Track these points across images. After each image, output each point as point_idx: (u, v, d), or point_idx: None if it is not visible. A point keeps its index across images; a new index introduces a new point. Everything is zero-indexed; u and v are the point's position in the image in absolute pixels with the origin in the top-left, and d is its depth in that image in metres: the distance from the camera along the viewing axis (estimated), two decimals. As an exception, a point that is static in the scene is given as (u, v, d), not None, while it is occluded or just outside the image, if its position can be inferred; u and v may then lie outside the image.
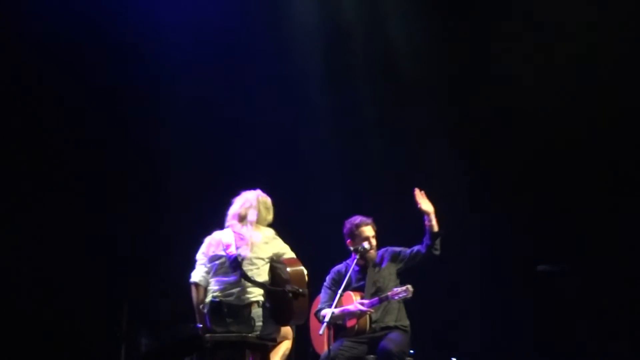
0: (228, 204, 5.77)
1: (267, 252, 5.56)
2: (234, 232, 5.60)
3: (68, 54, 7.34)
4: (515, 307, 7.54)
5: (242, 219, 5.62)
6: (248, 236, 5.57)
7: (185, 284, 5.83)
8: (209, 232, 5.76)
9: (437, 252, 5.98)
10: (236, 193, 5.80)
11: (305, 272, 5.62)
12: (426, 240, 5.91)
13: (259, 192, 5.76)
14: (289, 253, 5.68)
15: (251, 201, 5.69)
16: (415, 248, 6.05)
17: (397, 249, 6.22)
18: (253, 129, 7.98)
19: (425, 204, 5.87)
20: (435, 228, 5.89)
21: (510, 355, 7.45)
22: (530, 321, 7.45)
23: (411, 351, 6.02)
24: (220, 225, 5.72)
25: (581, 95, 7.39)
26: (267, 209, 5.72)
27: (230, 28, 7.77)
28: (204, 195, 7.30)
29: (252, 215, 5.63)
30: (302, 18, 7.98)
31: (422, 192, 5.89)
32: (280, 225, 5.75)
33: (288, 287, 5.46)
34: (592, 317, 6.95)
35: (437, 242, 5.94)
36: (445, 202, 6.38)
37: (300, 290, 5.44)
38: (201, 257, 5.65)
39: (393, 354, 5.63)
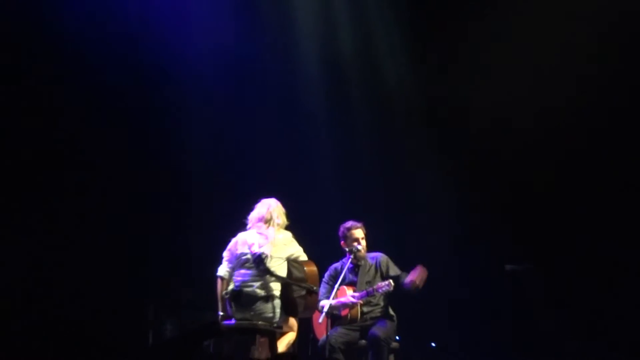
0: (240, 209, 6.11)
1: (286, 252, 5.90)
2: (259, 232, 5.91)
3: (97, 76, 7.50)
4: (486, 300, 7.81)
5: (267, 221, 5.94)
6: (272, 237, 5.88)
7: (204, 278, 6.22)
8: (225, 232, 6.11)
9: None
10: (248, 200, 6.16)
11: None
12: (406, 285, 6.21)
13: (275, 199, 6.11)
14: (303, 255, 5.99)
15: (273, 206, 6.04)
16: (402, 277, 6.30)
17: (390, 262, 6.53)
18: (263, 147, 8.21)
19: (414, 284, 6.12)
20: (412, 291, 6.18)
21: (481, 341, 7.69)
22: (499, 312, 7.74)
23: (397, 337, 6.40)
24: (242, 228, 6.05)
25: (553, 117, 7.65)
26: (284, 214, 6.07)
27: (245, 59, 8.04)
28: (221, 201, 7.57)
29: (277, 218, 5.98)
30: (306, 52, 8.29)
31: (425, 273, 6.19)
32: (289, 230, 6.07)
33: (303, 284, 5.82)
34: (551, 306, 7.28)
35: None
36: (430, 211, 6.98)
37: (314, 288, 5.87)
38: (227, 254, 5.97)
39: (380, 339, 6.06)
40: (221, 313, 5.88)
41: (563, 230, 7.62)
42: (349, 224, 6.56)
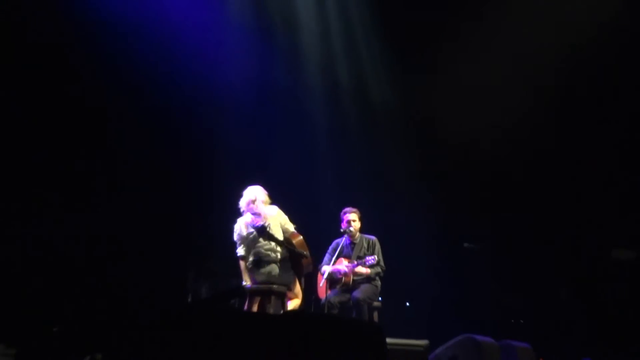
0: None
1: (278, 220, 6.69)
2: (253, 213, 6.62)
3: (151, 97, 8.32)
4: (450, 269, 8.86)
5: (253, 202, 6.65)
6: (263, 212, 6.62)
7: (232, 253, 6.86)
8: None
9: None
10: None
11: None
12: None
13: (258, 185, 6.80)
14: (289, 224, 6.70)
15: (256, 191, 6.75)
16: (378, 265, 7.11)
17: (378, 245, 7.33)
18: (277, 151, 9.11)
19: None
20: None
21: (445, 297, 8.72)
22: (459, 277, 8.83)
23: (379, 298, 7.24)
24: (239, 214, 6.76)
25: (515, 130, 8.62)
26: (265, 194, 6.76)
27: (265, 83, 9.10)
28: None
29: (260, 197, 6.67)
30: (311, 76, 9.35)
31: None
32: (305, 220, 6.93)
33: (297, 250, 6.54)
34: (496, 275, 8.29)
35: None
36: (409, 200, 8.09)
37: (305, 252, 6.55)
38: (238, 238, 6.71)
39: (360, 299, 6.95)
40: (244, 283, 6.66)
41: (510, 218, 8.72)
42: (346, 209, 7.56)
